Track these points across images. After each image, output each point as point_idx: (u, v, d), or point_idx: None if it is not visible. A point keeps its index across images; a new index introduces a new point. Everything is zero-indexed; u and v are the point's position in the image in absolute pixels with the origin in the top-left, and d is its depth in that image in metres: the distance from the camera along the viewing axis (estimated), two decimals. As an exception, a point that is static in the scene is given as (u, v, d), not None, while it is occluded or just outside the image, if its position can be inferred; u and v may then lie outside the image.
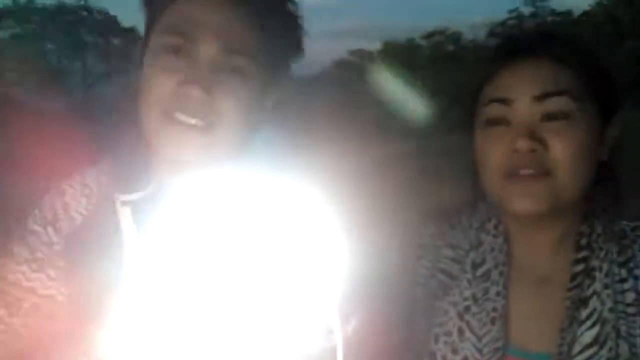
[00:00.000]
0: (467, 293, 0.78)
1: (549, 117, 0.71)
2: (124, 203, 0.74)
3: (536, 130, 0.71)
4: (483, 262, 0.79)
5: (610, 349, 0.70)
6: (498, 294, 0.76)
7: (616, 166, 0.78)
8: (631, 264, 0.73)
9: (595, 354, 0.70)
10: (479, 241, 0.81)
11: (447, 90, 13.83)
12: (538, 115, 0.71)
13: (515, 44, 0.77)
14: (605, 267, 0.74)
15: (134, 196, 0.74)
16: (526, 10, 23.22)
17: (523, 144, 0.70)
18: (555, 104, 0.71)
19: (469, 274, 0.79)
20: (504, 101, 0.73)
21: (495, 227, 0.80)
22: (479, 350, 0.74)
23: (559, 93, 0.71)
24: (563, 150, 0.70)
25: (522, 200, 0.71)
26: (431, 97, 14.52)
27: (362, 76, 20.12)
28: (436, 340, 0.78)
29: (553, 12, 22.89)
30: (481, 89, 0.76)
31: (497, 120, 0.73)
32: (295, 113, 1.02)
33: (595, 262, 0.74)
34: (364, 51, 27.81)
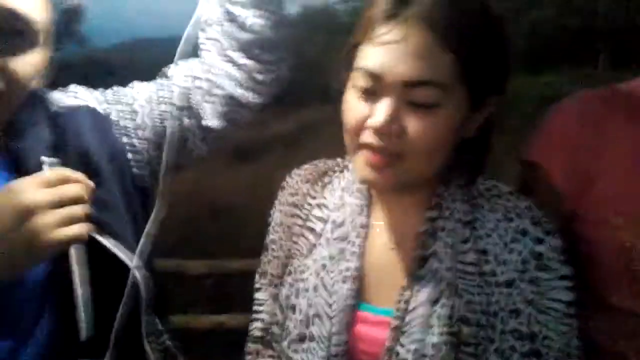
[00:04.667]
0: (325, 252, 0.79)
1: (414, 104, 0.67)
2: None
3: (398, 114, 0.67)
4: (343, 223, 0.80)
5: (445, 305, 0.71)
6: (353, 254, 0.77)
7: (488, 137, 0.76)
8: (476, 224, 0.74)
9: (431, 310, 0.71)
10: (342, 202, 0.82)
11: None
12: (404, 100, 0.67)
13: (397, 6, 0.68)
14: (449, 226, 0.74)
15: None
16: None
17: (380, 128, 0.67)
18: (422, 91, 0.66)
19: (329, 234, 0.80)
20: (374, 76, 0.68)
21: (359, 189, 0.81)
22: (329, 306, 0.77)
23: (427, 83, 0.66)
24: (420, 138, 0.67)
25: (368, 172, 0.71)
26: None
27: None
28: (296, 295, 0.80)
29: None
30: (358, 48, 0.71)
31: (367, 91, 0.69)
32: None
33: (440, 222, 0.74)
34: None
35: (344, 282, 0.77)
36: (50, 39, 0.75)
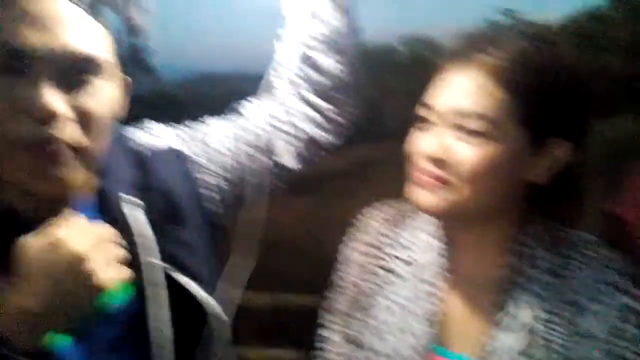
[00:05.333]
0: (402, 292, 0.79)
1: (464, 133, 0.70)
2: None
3: (447, 142, 0.71)
4: (421, 263, 0.80)
5: (528, 355, 0.70)
6: (431, 295, 0.77)
7: (570, 185, 0.75)
8: (562, 274, 0.73)
9: (511, 358, 0.70)
10: (421, 242, 0.82)
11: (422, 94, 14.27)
12: (455, 129, 0.70)
13: (458, 49, 0.75)
14: (533, 274, 0.73)
15: None
16: (503, 20, 23.43)
17: (430, 154, 0.71)
18: (471, 123, 0.69)
19: (408, 274, 0.80)
20: (429, 107, 0.73)
21: (439, 230, 0.81)
22: (405, 347, 0.76)
23: (477, 116, 0.68)
24: (467, 164, 0.69)
25: (418, 194, 0.73)
26: (409, 100, 14.85)
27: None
28: (370, 334, 0.80)
29: (530, 24, 22.92)
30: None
31: (423, 121, 0.75)
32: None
33: (523, 269, 0.74)
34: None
35: (420, 323, 0.76)
36: (118, 74, 0.74)
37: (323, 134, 0.90)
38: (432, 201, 0.72)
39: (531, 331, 0.70)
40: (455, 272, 0.79)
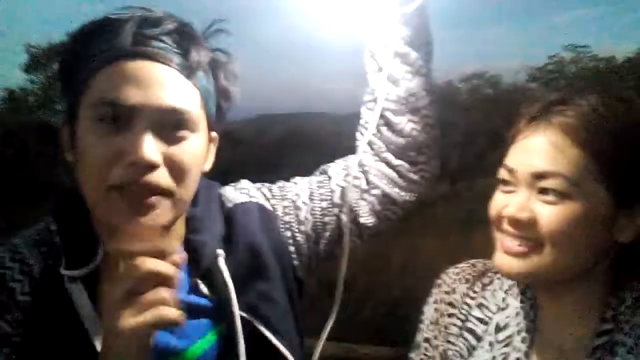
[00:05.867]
0: (488, 356, 0.79)
1: (544, 191, 0.71)
2: (72, 279, 0.71)
3: (529, 204, 0.72)
4: (507, 326, 0.79)
5: None
6: (514, 359, 0.76)
7: None
8: None
9: None
10: (506, 304, 0.81)
11: (485, 134, 13.87)
12: (535, 189, 0.72)
13: (534, 110, 0.76)
14: (629, 342, 0.72)
15: (82, 270, 0.71)
16: (567, 55, 22.14)
17: (512, 216, 0.72)
18: (550, 182, 0.70)
19: (492, 337, 0.80)
20: (510, 170, 0.75)
21: (523, 292, 0.80)
22: None
23: (554, 175, 0.70)
24: (550, 225, 0.70)
25: (503, 258, 0.75)
26: (470, 140, 14.62)
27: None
28: None
29: (595, 58, 21.55)
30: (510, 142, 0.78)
31: (506, 184, 0.76)
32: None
33: (619, 337, 0.72)
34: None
35: None
36: (206, 130, 0.77)
37: (398, 191, 0.91)
38: (519, 267, 0.73)
39: None
40: (541, 336, 0.78)
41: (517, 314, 0.80)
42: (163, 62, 0.71)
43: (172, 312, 0.62)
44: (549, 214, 0.71)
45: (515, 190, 0.75)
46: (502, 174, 0.77)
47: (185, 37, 0.74)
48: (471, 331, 0.83)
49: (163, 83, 0.70)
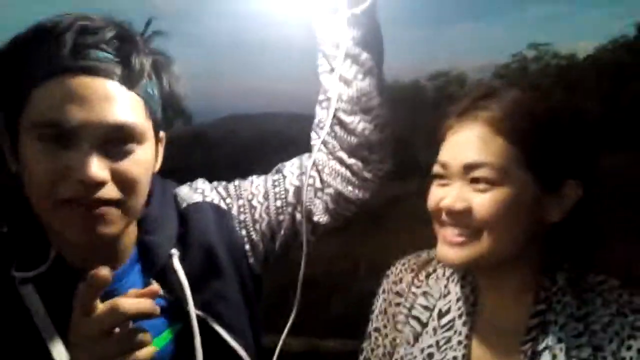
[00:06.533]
0: (431, 340, 0.82)
1: (476, 180, 0.75)
2: (24, 281, 0.71)
3: (464, 194, 0.76)
4: (448, 310, 0.83)
5: None
6: (459, 343, 0.79)
7: (587, 221, 0.78)
8: (590, 319, 0.75)
9: None
10: (447, 290, 0.84)
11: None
12: (467, 180, 0.76)
13: (461, 107, 0.80)
14: (561, 321, 0.76)
15: (34, 272, 0.72)
16: (529, 53, 22.89)
17: (449, 207, 0.76)
18: (480, 172, 0.75)
19: (435, 322, 0.83)
20: (443, 164, 0.79)
21: (464, 277, 0.84)
22: None
23: (482, 165, 0.74)
24: (484, 211, 0.74)
25: (444, 249, 0.78)
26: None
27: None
28: None
29: (556, 55, 22.55)
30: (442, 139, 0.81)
31: (440, 177, 0.80)
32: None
33: (551, 316, 0.76)
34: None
35: None
36: (153, 134, 0.76)
37: (351, 189, 0.92)
38: (460, 257, 0.76)
39: None
40: (482, 319, 0.82)
41: (458, 299, 0.83)
42: (105, 77, 0.70)
43: (145, 352, 0.63)
44: (482, 201, 0.75)
45: (449, 183, 0.79)
46: (436, 169, 0.81)
47: (125, 44, 0.72)
48: (416, 318, 0.86)
49: (106, 99, 0.69)
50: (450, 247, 0.78)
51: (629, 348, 0.74)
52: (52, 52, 0.69)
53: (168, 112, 0.81)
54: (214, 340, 0.82)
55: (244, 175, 0.98)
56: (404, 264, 0.92)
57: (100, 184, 0.69)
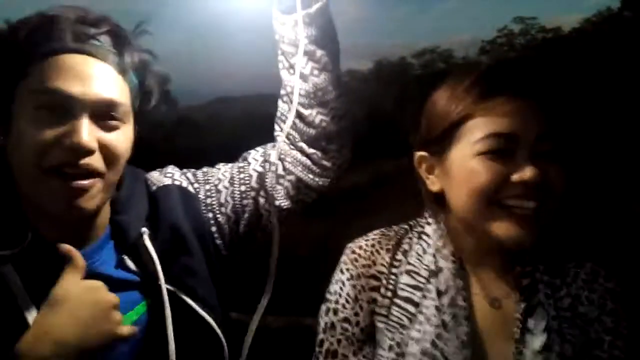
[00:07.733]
0: (436, 320, 0.80)
1: (540, 155, 0.75)
2: (3, 260, 0.76)
3: (535, 165, 0.74)
4: (448, 289, 0.81)
5: (558, 353, 0.76)
6: (466, 318, 0.80)
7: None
8: (563, 272, 0.82)
9: (546, 359, 0.77)
10: (438, 267, 0.83)
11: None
12: (530, 151, 0.75)
13: (504, 80, 0.77)
14: (546, 278, 0.81)
15: (12, 250, 0.76)
16: (515, 27, 23.22)
17: (532, 175, 0.74)
18: (547, 145, 0.75)
19: (437, 302, 0.81)
20: (511, 137, 0.75)
21: (453, 253, 0.83)
22: None
23: (550, 136, 0.75)
24: (559, 186, 0.74)
25: (515, 232, 0.76)
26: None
27: (355, 96, 20.06)
28: None
29: (542, 29, 22.84)
30: (466, 119, 0.77)
31: (501, 153, 0.75)
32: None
33: (538, 275, 0.81)
34: (356, 71, 29.32)
35: (463, 347, 0.78)
36: (132, 119, 0.84)
37: (312, 176, 0.97)
38: (530, 236, 0.76)
39: (555, 330, 0.78)
40: (477, 291, 0.84)
41: (452, 275, 0.82)
42: (101, 59, 0.79)
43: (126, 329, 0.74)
44: (556, 173, 0.76)
45: (513, 156, 0.76)
46: (493, 144, 0.76)
47: (119, 39, 0.82)
48: (407, 299, 0.83)
49: (100, 77, 0.78)
50: (520, 227, 0.75)
51: (594, 291, 0.82)
52: (54, 36, 0.77)
53: (151, 102, 0.88)
54: (185, 313, 0.86)
55: (233, 160, 1.03)
56: (372, 245, 0.88)
57: (90, 152, 0.75)
